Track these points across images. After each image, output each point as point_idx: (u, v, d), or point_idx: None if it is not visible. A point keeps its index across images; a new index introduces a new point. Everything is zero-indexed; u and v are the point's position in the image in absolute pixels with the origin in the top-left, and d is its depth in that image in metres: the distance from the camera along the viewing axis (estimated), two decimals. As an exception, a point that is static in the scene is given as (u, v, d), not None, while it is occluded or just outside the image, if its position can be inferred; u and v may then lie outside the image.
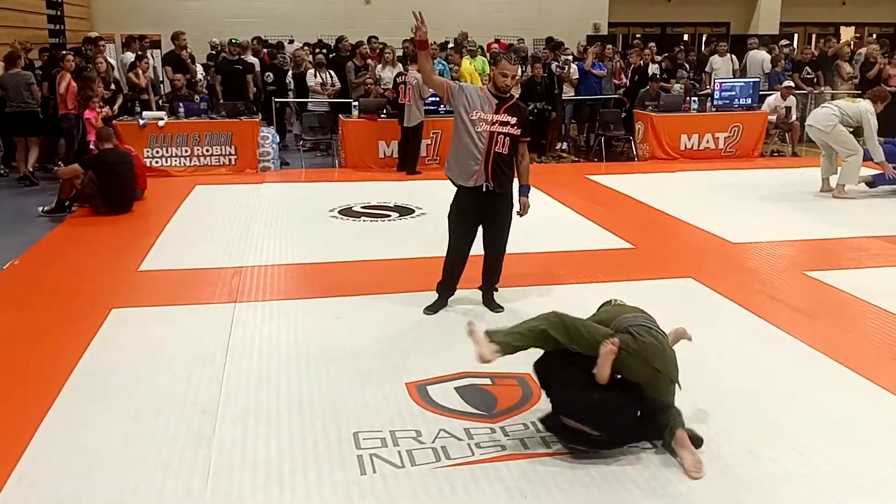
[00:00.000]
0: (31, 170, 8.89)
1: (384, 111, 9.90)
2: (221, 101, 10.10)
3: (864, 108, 7.78)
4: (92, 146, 7.84)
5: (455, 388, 3.70)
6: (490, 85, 4.52)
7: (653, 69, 11.80)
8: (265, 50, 12.60)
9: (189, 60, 10.75)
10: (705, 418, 3.39)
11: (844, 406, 3.54)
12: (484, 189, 4.48)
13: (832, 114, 7.82)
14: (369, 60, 11.22)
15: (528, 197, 4.64)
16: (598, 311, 3.53)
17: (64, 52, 9.61)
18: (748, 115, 10.79)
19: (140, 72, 9.90)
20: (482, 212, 4.59)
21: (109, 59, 10.48)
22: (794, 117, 11.15)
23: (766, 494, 2.85)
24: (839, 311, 4.86)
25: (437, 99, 9.77)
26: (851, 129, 7.88)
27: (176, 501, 2.81)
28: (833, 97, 12.29)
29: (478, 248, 4.74)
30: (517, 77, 4.50)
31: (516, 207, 4.65)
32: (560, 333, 3.08)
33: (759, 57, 12.45)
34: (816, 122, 7.98)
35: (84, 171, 7.21)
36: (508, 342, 3.16)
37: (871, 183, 8.04)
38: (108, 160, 7.26)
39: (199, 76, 10.61)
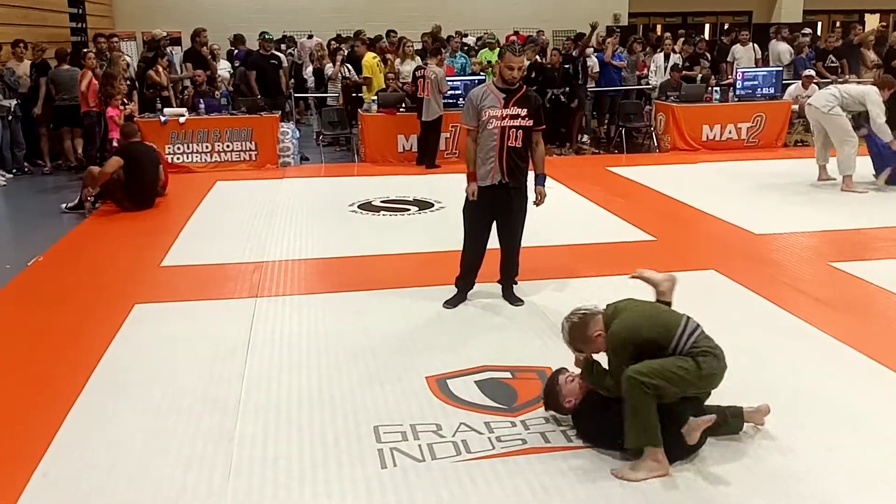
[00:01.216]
0: (79, 156, 9.49)
1: (403, 105, 9.89)
2: (259, 96, 10.12)
3: (869, 90, 7.60)
4: (115, 144, 7.90)
5: (475, 382, 3.69)
6: (497, 79, 4.49)
7: (674, 59, 11.66)
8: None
9: (210, 56, 10.80)
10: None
11: (871, 400, 3.47)
12: (498, 183, 4.45)
13: (832, 95, 7.67)
14: (388, 55, 11.21)
15: (544, 186, 4.60)
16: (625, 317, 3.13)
17: (85, 50, 9.70)
18: (771, 105, 10.64)
19: (160, 69, 9.96)
20: (496, 206, 4.56)
21: (127, 56, 10.57)
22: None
23: (791, 490, 2.81)
24: (865, 302, 4.77)
25: (457, 93, 9.77)
26: (853, 114, 7.67)
27: (197, 498, 2.83)
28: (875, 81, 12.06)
29: (495, 241, 4.71)
30: (524, 68, 4.47)
31: (532, 198, 4.61)
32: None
33: (781, 46, 12.26)
34: (815, 101, 7.83)
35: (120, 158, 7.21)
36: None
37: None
38: (135, 154, 7.32)
39: (223, 72, 10.64)
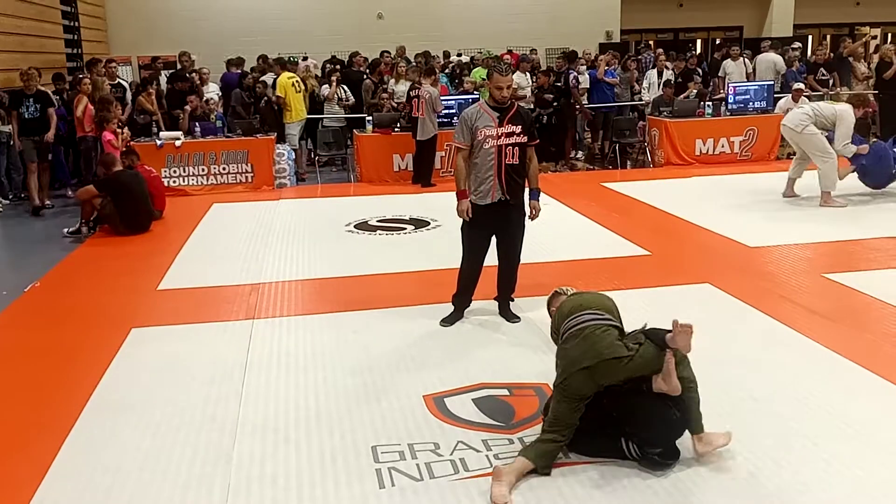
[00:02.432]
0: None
1: (398, 125, 9.96)
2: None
3: (842, 110, 7.57)
4: (98, 174, 7.92)
5: (472, 400, 3.70)
6: (489, 99, 4.54)
7: (667, 75, 11.78)
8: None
9: (198, 80, 10.86)
10: (725, 425, 3.35)
11: (867, 410, 3.49)
12: (498, 201, 4.49)
13: (805, 114, 7.67)
14: (385, 76, 11.33)
15: (538, 200, 4.64)
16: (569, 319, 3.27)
17: (81, 76, 9.77)
18: (763, 119, 10.73)
19: (152, 96, 10.03)
20: (495, 223, 4.59)
21: (123, 81, 10.64)
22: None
23: (791, 501, 2.81)
24: (859, 313, 4.80)
25: (451, 112, 9.85)
26: (827, 133, 7.67)
27: (196, 518, 2.84)
28: (848, 100, 12.19)
29: (492, 258, 4.74)
30: (511, 85, 4.52)
31: (527, 212, 4.65)
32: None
33: (770, 59, 12.37)
34: (789, 122, 7.82)
35: (99, 192, 7.33)
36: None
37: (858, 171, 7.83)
38: (122, 180, 7.39)
39: (212, 95, 10.71)
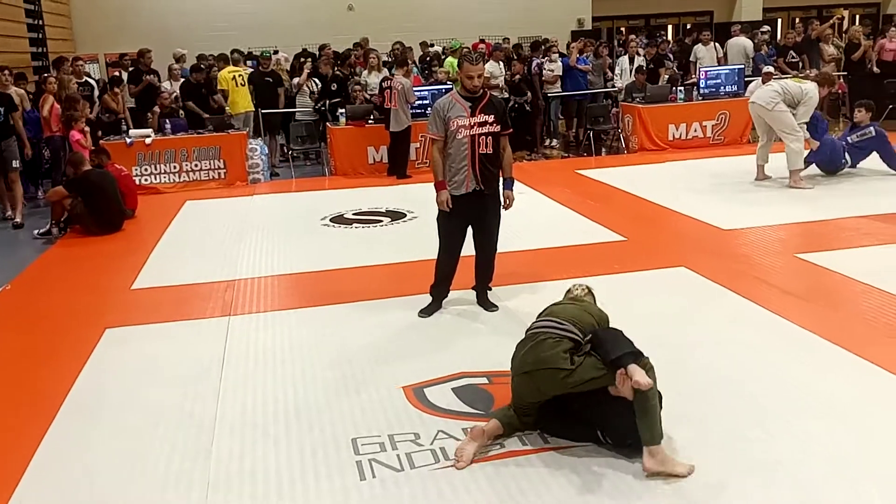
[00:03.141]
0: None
1: (371, 117, 9.91)
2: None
3: (808, 89, 7.67)
4: (67, 174, 7.78)
5: (452, 389, 3.70)
6: (460, 89, 4.52)
7: (638, 61, 11.82)
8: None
9: (155, 78, 10.72)
10: (700, 405, 3.40)
11: (838, 386, 3.54)
12: (473, 191, 4.48)
13: (774, 91, 7.73)
14: (357, 69, 11.25)
15: (512, 190, 4.64)
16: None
17: (46, 75, 9.59)
18: (734, 103, 10.81)
19: (118, 96, 9.88)
20: (471, 213, 4.59)
21: (91, 80, 10.46)
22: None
23: (761, 479, 2.85)
24: (831, 291, 4.87)
25: (425, 103, 9.81)
26: (793, 106, 7.75)
27: (176, 516, 2.81)
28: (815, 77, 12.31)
29: (469, 247, 4.74)
30: (483, 75, 4.51)
31: (502, 202, 4.65)
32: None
33: (740, 43, 12.48)
34: (758, 99, 7.89)
35: (69, 192, 7.21)
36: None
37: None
38: (91, 179, 7.28)
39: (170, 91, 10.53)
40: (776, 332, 4.22)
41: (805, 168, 7.88)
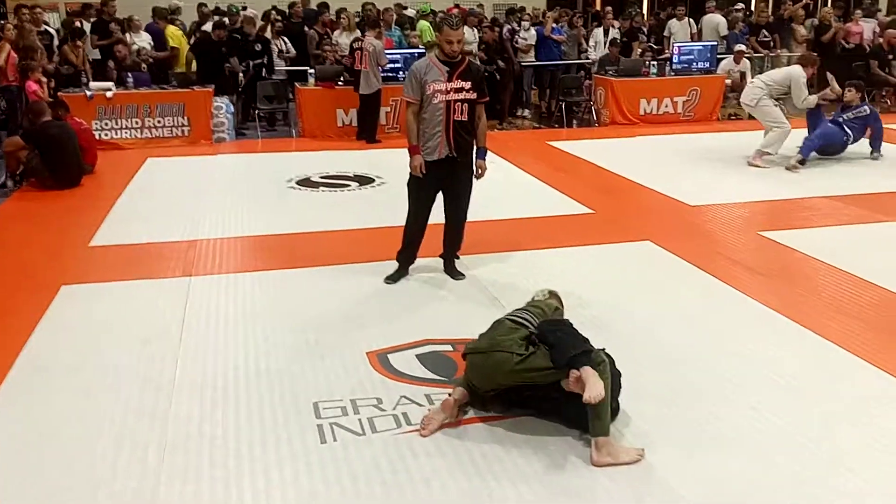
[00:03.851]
0: None
1: (341, 78, 9.72)
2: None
3: (793, 71, 7.91)
4: (24, 125, 7.52)
5: (416, 356, 3.69)
6: (438, 52, 4.44)
7: (613, 34, 11.77)
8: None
9: (119, 30, 10.35)
10: (663, 379, 3.44)
11: (795, 361, 3.61)
12: (445, 158, 4.43)
13: (757, 88, 8.02)
14: (328, 29, 10.99)
15: (485, 160, 4.60)
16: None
17: (3, 22, 9.20)
18: (706, 79, 10.86)
19: (80, 49, 9.52)
20: (442, 179, 4.53)
21: (51, 29, 10.07)
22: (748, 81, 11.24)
23: (721, 453, 2.90)
24: (792, 269, 4.95)
25: (397, 66, 9.65)
26: (785, 93, 7.96)
27: (131, 478, 2.75)
28: (788, 61, 12.44)
29: (437, 215, 4.69)
30: (463, 40, 4.43)
31: (474, 171, 4.60)
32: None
33: (714, 20, 12.50)
34: (744, 99, 8.24)
35: (26, 143, 6.97)
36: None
37: (802, 161, 7.97)
38: (50, 132, 7.02)
39: (143, 44, 10.21)
40: (737, 308, 4.28)
41: (804, 159, 7.85)
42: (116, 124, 9.04)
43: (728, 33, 12.25)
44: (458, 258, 4.88)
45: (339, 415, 3.15)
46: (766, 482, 2.71)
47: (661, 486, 2.69)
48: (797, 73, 7.84)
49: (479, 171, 4.59)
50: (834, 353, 3.70)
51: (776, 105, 7.98)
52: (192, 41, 10.74)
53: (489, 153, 4.66)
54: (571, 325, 3.12)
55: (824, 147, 8.02)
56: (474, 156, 4.56)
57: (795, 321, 4.05)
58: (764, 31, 12.45)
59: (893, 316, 4.18)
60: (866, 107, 8.26)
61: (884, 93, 12.02)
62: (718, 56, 11.25)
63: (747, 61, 11.27)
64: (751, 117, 8.89)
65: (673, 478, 2.73)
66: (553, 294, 3.57)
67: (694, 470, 2.78)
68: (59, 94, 8.54)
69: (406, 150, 4.54)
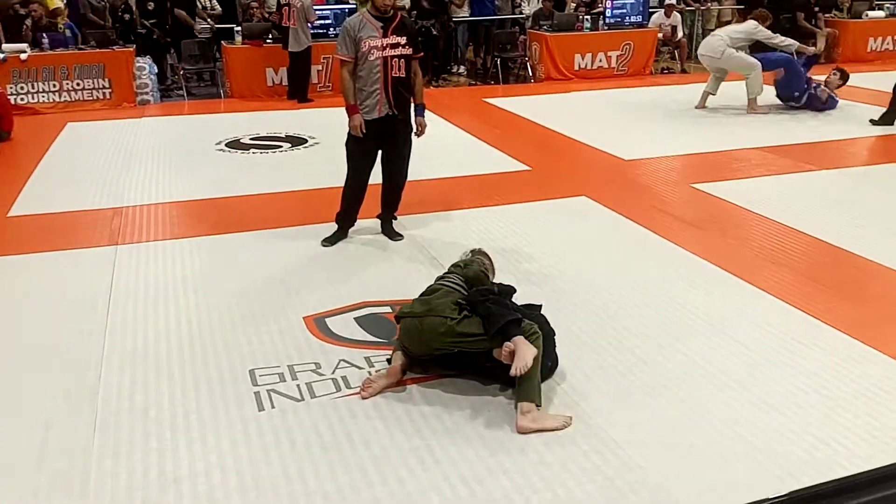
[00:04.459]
0: None
1: (269, 36, 9.40)
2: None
3: (753, 27, 8.09)
4: None
5: (355, 319, 3.65)
6: (371, 8, 4.31)
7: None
8: None
9: None
10: (599, 329, 3.50)
11: (725, 309, 3.72)
12: (385, 116, 4.33)
13: (720, 40, 8.14)
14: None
15: (423, 116, 4.52)
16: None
17: None
18: (638, 34, 10.93)
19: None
20: (382, 138, 4.44)
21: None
22: (680, 35, 11.37)
23: (650, 397, 2.98)
24: (722, 220, 5.07)
25: (327, 22, 9.38)
26: (748, 45, 8.14)
27: (62, 455, 2.65)
28: (719, 14, 12.61)
29: (375, 176, 4.62)
30: None
31: (413, 129, 4.53)
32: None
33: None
34: (707, 51, 8.28)
35: None
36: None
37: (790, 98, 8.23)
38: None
39: (57, 2, 9.64)
40: (671, 259, 4.37)
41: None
42: (33, 88, 8.60)
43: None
44: (395, 219, 4.82)
45: (277, 381, 3.10)
46: (698, 425, 2.79)
47: (596, 432, 2.74)
48: (759, 26, 8.03)
49: (420, 129, 4.52)
50: (762, 300, 3.82)
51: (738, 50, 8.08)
52: None
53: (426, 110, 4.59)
54: (499, 292, 3.09)
55: (786, 82, 8.16)
56: (412, 113, 4.49)
57: (726, 270, 4.16)
58: (695, -16, 12.55)
59: (819, 262, 4.35)
60: (833, 96, 8.23)
61: (810, 44, 12.31)
62: (650, 10, 11.31)
63: (678, 15, 11.39)
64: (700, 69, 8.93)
65: (607, 424, 2.79)
66: (481, 252, 3.56)
67: (627, 416, 2.85)
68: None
69: (341, 110, 4.43)
